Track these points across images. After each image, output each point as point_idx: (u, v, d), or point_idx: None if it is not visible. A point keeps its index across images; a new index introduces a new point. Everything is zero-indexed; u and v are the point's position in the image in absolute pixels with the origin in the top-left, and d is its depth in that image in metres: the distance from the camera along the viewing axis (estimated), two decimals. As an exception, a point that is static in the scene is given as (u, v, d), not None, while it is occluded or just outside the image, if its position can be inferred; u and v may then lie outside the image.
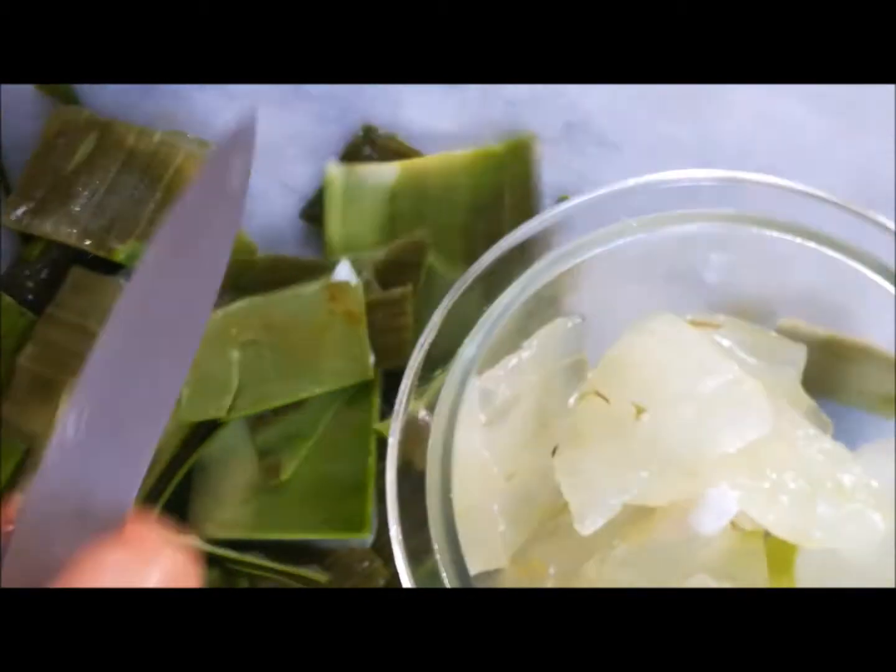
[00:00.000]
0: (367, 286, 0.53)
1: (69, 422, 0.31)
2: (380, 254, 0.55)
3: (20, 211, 0.53)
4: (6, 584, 0.30)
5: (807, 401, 0.48)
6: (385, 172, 0.58)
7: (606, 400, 0.45)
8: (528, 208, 0.56)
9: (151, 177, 0.54)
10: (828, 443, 0.45)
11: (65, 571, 0.29)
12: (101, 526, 0.30)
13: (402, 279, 0.54)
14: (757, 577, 0.45)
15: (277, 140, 0.59)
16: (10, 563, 0.30)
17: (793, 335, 0.49)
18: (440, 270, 0.55)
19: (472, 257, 0.46)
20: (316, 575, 0.50)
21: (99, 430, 0.31)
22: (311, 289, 0.52)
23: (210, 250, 0.32)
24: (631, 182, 0.47)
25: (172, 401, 0.32)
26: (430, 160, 0.59)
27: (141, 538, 0.30)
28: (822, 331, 0.50)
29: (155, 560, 0.29)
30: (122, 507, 0.30)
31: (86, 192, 0.53)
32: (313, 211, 0.58)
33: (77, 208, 0.53)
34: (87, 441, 0.31)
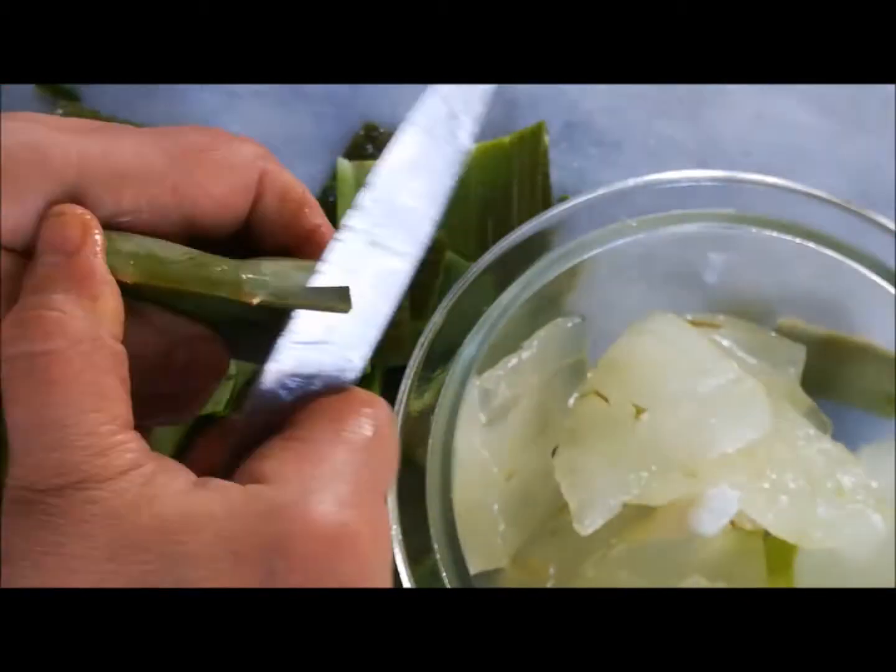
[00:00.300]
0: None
1: None
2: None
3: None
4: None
5: (807, 401, 0.48)
6: (397, 168, 0.58)
7: (606, 400, 0.45)
8: (537, 199, 0.56)
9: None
10: (828, 443, 0.45)
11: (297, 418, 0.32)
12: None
13: (421, 278, 0.54)
14: (756, 577, 0.45)
15: (276, 140, 0.59)
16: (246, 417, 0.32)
17: (792, 335, 0.49)
18: (458, 267, 0.55)
19: (484, 253, 0.46)
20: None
21: None
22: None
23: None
24: (631, 182, 0.47)
25: (406, 278, 0.36)
26: (440, 154, 0.58)
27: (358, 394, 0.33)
28: (822, 331, 0.50)
29: (372, 405, 0.32)
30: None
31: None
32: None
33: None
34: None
